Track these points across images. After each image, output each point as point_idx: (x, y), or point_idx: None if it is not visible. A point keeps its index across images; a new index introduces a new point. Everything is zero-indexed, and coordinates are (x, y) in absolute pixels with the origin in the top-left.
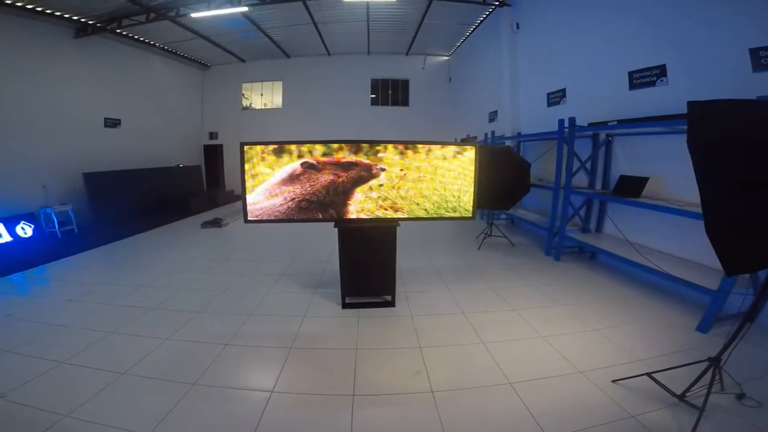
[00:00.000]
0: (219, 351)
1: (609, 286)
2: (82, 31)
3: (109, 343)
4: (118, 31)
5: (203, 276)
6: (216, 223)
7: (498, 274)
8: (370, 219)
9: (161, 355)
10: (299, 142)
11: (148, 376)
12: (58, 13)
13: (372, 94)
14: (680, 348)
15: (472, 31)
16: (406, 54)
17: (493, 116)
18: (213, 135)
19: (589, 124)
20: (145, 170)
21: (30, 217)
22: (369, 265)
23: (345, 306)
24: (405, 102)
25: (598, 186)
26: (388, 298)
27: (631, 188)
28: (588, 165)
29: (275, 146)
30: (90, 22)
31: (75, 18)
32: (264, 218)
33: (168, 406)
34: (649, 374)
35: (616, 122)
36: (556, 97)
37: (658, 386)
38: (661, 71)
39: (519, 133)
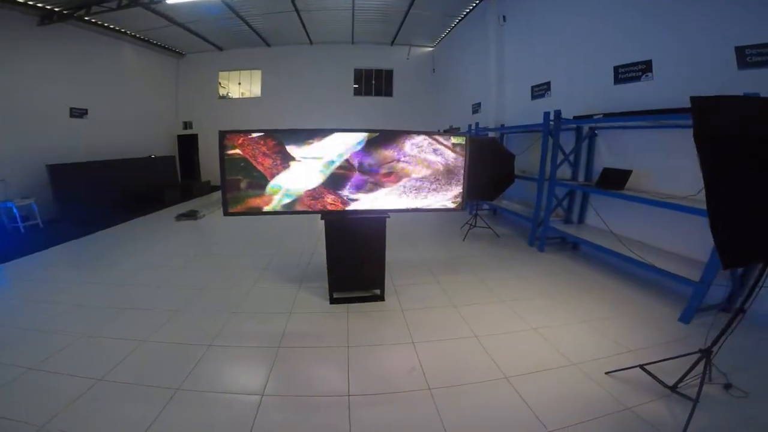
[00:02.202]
0: (202, 353)
1: (592, 277)
2: (47, 18)
3: (81, 346)
4: (87, 18)
5: (180, 272)
6: (191, 215)
7: (485, 265)
8: (359, 211)
9: (139, 359)
10: (281, 131)
11: (127, 382)
12: (21, 0)
13: (355, 84)
14: (666, 339)
15: (457, 23)
16: (391, 44)
17: (476, 108)
18: (187, 125)
19: (574, 117)
20: (115, 161)
21: None
22: (357, 259)
23: (333, 301)
24: (389, 92)
25: (581, 178)
26: (377, 291)
27: (614, 180)
28: (571, 157)
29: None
30: (56, 9)
31: (40, 5)
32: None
33: (152, 415)
34: (641, 366)
35: (601, 116)
36: (540, 90)
37: (650, 378)
38: (647, 66)
39: (503, 125)
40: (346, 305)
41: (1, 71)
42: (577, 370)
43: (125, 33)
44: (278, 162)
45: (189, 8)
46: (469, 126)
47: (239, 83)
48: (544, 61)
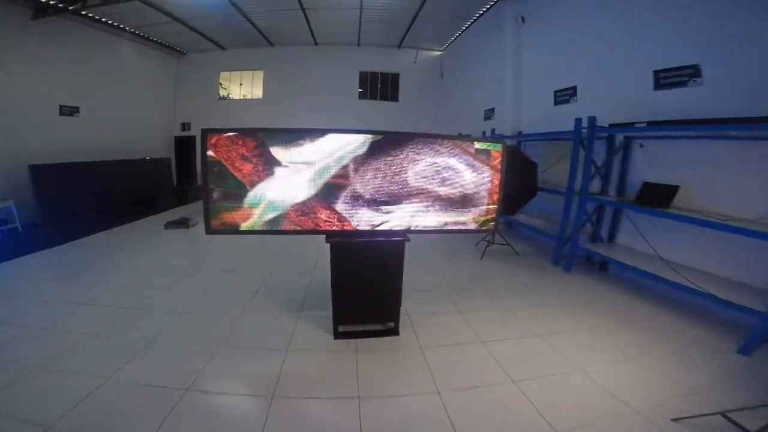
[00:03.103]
0: (176, 400)
1: (630, 303)
2: (40, 11)
3: (27, 384)
4: (83, 12)
5: (161, 293)
6: (183, 223)
7: (508, 289)
8: (372, 232)
9: (94, 407)
10: (264, 130)
11: None
12: None
13: (360, 88)
14: (729, 375)
15: (469, 26)
16: (398, 47)
17: (489, 114)
18: (185, 126)
19: (610, 125)
20: (105, 163)
21: None
22: (368, 287)
23: (338, 335)
24: (394, 97)
25: (613, 192)
26: (391, 324)
27: (657, 197)
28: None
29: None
30: (51, 2)
31: None
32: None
33: None
34: (723, 413)
35: (645, 124)
36: (565, 96)
37: (730, 424)
38: (694, 71)
39: (520, 132)
40: (354, 341)
41: None
42: (639, 419)
43: (124, 29)
44: (260, 168)
45: (190, 3)
46: (483, 133)
47: (240, 84)
48: (569, 64)
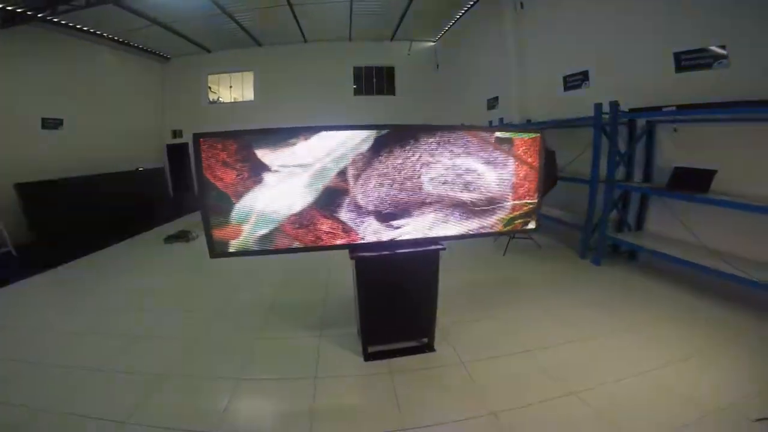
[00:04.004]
0: None
1: (669, 294)
2: (8, 20)
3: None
4: (55, 20)
5: (167, 317)
6: (182, 236)
7: (541, 287)
8: (401, 242)
9: None
10: (272, 130)
11: None
12: None
13: (355, 83)
14: None
15: (462, 15)
16: (391, 39)
17: (493, 103)
18: (177, 133)
19: (630, 110)
20: (97, 176)
21: None
22: (400, 304)
23: (368, 357)
24: (390, 90)
25: (638, 178)
26: (425, 340)
27: (691, 182)
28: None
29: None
30: (18, 10)
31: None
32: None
33: None
34: None
35: (674, 108)
36: (576, 81)
37: None
38: (717, 54)
39: (529, 121)
40: (386, 361)
41: None
42: (718, 420)
43: (102, 35)
44: (245, 175)
45: (170, 4)
46: (490, 122)
47: (230, 86)
48: (578, 48)
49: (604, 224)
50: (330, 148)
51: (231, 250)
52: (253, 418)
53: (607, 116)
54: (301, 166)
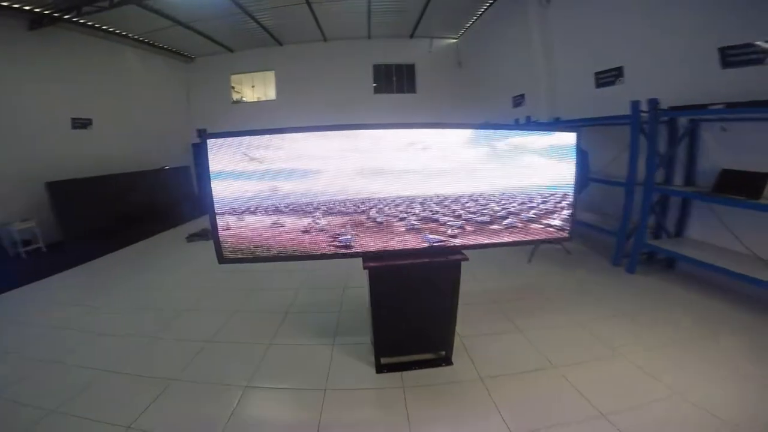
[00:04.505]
0: None
1: (712, 307)
2: (36, 22)
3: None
4: (81, 21)
5: (183, 317)
6: (204, 234)
7: (570, 297)
8: (419, 251)
9: None
10: (280, 131)
11: None
12: (5, 3)
13: (375, 81)
14: None
15: (485, 11)
16: (411, 37)
17: (518, 101)
18: (202, 132)
19: (671, 108)
20: (124, 175)
21: None
22: (417, 315)
23: (380, 368)
24: (411, 89)
25: (678, 181)
26: (442, 353)
27: (742, 186)
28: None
29: None
30: (46, 12)
31: (27, 8)
32: (248, 254)
33: None
34: None
35: (722, 105)
36: (608, 77)
37: None
38: None
39: (558, 119)
40: (399, 374)
41: None
42: None
43: (127, 36)
44: (254, 177)
45: (190, 4)
46: (516, 120)
47: (253, 86)
48: (611, 43)
49: (642, 230)
50: (347, 149)
51: (239, 256)
52: (254, 426)
53: (645, 114)
54: (310, 169)
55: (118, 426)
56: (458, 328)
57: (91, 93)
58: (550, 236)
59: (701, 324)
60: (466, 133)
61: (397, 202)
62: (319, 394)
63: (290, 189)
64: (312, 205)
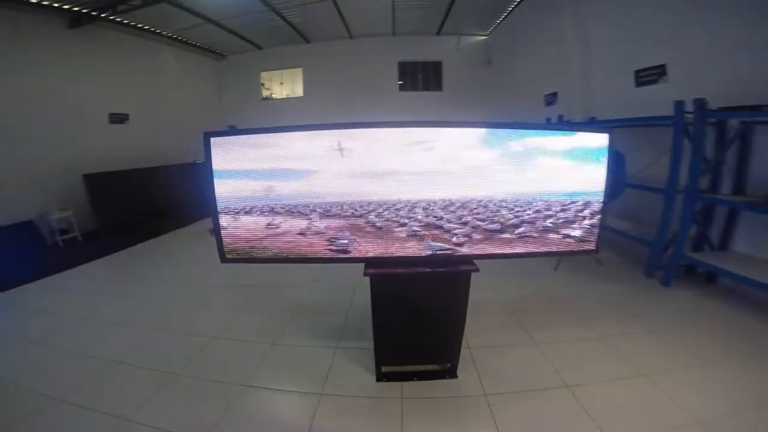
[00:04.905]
0: None
1: (757, 327)
2: (76, 21)
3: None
4: (118, 19)
5: (192, 312)
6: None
7: (597, 311)
8: (422, 259)
9: None
10: (292, 129)
11: None
12: (45, 2)
13: (400, 79)
14: None
15: (515, 7)
16: (437, 33)
17: (551, 99)
18: (233, 128)
19: (721, 108)
20: (157, 168)
21: (25, 226)
22: (421, 325)
23: (381, 377)
24: (438, 86)
25: (726, 189)
26: (448, 364)
27: None
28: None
29: None
30: (84, 11)
31: (66, 7)
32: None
33: None
34: None
35: None
36: (650, 75)
37: None
38: None
39: (593, 119)
40: (399, 384)
41: (33, 76)
42: None
43: (161, 34)
44: (260, 177)
45: (219, 2)
46: (548, 119)
47: (281, 83)
48: (652, 40)
49: (682, 241)
50: (362, 148)
51: (243, 256)
52: (245, 426)
53: (690, 116)
54: (304, 169)
55: (111, 416)
56: (468, 339)
57: (128, 89)
58: (571, 248)
59: (743, 346)
60: (477, 133)
61: (399, 206)
62: (314, 398)
63: (287, 190)
64: (309, 207)
